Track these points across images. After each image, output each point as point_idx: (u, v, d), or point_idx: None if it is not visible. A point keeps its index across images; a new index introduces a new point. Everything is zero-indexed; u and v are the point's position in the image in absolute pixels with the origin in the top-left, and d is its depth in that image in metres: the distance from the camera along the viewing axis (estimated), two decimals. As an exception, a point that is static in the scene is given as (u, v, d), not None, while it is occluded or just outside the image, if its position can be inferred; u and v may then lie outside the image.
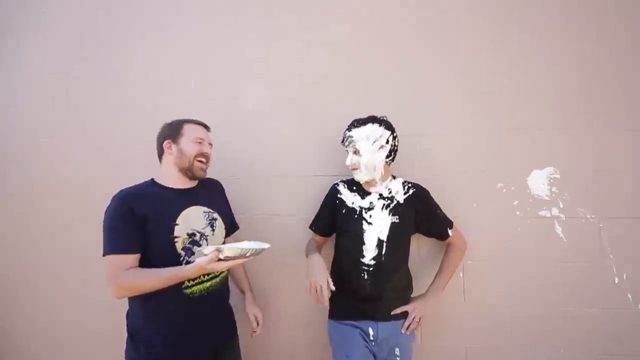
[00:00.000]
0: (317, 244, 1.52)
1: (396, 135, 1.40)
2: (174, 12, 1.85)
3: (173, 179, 1.28)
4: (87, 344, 1.88)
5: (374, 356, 1.34)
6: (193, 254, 1.20)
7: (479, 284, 1.55)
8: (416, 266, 1.52)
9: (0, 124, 2.01)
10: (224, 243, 1.32)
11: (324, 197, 1.51)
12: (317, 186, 1.62)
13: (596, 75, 1.49)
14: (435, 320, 1.52)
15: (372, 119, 1.38)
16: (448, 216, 1.46)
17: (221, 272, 1.29)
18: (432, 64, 1.61)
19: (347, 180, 1.49)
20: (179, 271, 1.10)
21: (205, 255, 1.08)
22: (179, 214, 1.21)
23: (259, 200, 1.71)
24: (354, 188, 1.45)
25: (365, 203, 1.41)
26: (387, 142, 1.36)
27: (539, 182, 1.51)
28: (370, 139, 1.34)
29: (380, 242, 1.36)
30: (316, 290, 1.23)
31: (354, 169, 1.38)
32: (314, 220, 1.53)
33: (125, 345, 1.23)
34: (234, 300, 1.43)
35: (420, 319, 1.38)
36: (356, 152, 1.36)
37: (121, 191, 1.20)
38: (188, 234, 1.21)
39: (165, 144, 1.28)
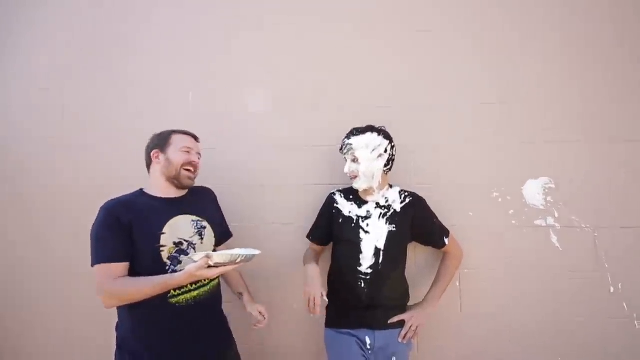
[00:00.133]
0: (315, 252, 1.53)
1: (394, 145, 1.42)
2: (173, 20, 1.86)
3: (161, 188, 1.29)
4: (80, 354, 1.86)
5: (371, 365, 1.34)
6: (180, 263, 1.19)
7: (476, 292, 1.55)
8: (413, 275, 1.52)
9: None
10: (214, 251, 1.31)
11: (321, 206, 1.52)
12: (315, 195, 1.62)
13: (591, 87, 1.52)
14: (432, 328, 1.52)
15: (371, 128, 1.40)
16: (444, 225, 1.47)
17: (210, 282, 1.28)
18: (430, 75, 1.63)
19: (344, 189, 1.51)
20: (170, 279, 1.09)
21: (195, 262, 1.07)
22: (165, 223, 1.21)
23: (254, 209, 1.71)
24: (351, 197, 1.46)
25: (362, 212, 1.42)
26: (386, 151, 1.38)
27: (534, 191, 1.53)
28: (369, 147, 1.36)
29: (377, 251, 1.37)
30: (309, 302, 1.24)
31: (353, 177, 1.39)
32: (311, 230, 1.54)
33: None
34: (227, 308, 1.42)
35: (417, 327, 1.38)
36: (355, 160, 1.38)
37: (108, 202, 1.20)
38: (175, 243, 1.20)
39: (153, 153, 1.29)
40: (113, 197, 1.24)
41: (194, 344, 1.21)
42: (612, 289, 1.46)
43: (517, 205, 1.54)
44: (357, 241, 1.38)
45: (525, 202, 1.53)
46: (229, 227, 1.53)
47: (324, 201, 1.52)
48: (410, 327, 1.37)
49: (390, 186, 1.47)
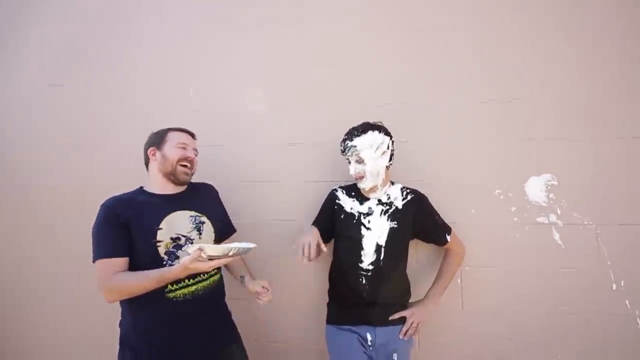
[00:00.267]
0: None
1: (394, 140, 1.41)
2: (172, 18, 1.86)
3: (159, 185, 1.31)
4: (86, 352, 1.87)
5: (372, 361, 1.34)
6: (177, 258, 1.20)
7: (477, 289, 1.55)
8: (414, 272, 1.52)
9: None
10: None
11: (323, 202, 1.52)
12: (316, 192, 1.62)
13: (594, 83, 1.51)
14: (433, 325, 1.52)
15: (371, 127, 1.38)
16: (446, 222, 1.47)
17: (210, 277, 1.28)
18: (431, 72, 1.63)
19: (346, 186, 1.50)
20: (166, 272, 1.10)
21: (189, 254, 1.08)
22: (162, 219, 1.22)
23: (255, 205, 1.71)
24: (353, 194, 1.46)
25: (364, 208, 1.41)
26: (388, 147, 1.38)
27: (536, 188, 1.52)
28: (372, 146, 1.35)
29: (378, 248, 1.36)
30: (303, 249, 1.22)
31: (359, 178, 1.38)
32: (313, 224, 1.53)
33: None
34: (230, 304, 1.42)
35: (418, 324, 1.38)
36: (360, 161, 1.36)
37: (108, 199, 1.24)
38: (172, 238, 1.21)
39: (150, 151, 1.32)
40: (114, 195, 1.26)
41: (193, 339, 1.22)
42: (614, 286, 1.46)
43: (519, 202, 1.53)
44: (359, 238, 1.38)
45: (528, 200, 1.52)
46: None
47: (324, 198, 1.52)
48: (412, 324, 1.37)
49: (392, 183, 1.46)
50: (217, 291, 1.34)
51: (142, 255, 1.17)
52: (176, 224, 1.24)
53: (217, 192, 1.50)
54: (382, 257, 1.36)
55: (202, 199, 1.38)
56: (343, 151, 1.42)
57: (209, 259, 1.08)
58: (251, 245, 1.17)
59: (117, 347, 1.24)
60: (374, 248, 1.37)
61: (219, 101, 1.79)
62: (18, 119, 1.97)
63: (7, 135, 1.99)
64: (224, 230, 1.44)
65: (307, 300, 1.66)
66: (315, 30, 1.73)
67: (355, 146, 1.36)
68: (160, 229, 1.20)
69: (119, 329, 1.26)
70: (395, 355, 1.34)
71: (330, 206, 1.48)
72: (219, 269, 1.35)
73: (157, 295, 1.16)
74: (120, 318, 1.27)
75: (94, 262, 1.16)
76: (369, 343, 1.34)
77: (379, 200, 1.42)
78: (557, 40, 1.54)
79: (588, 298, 1.47)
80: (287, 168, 1.71)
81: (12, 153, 1.97)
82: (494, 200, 1.55)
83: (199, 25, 1.84)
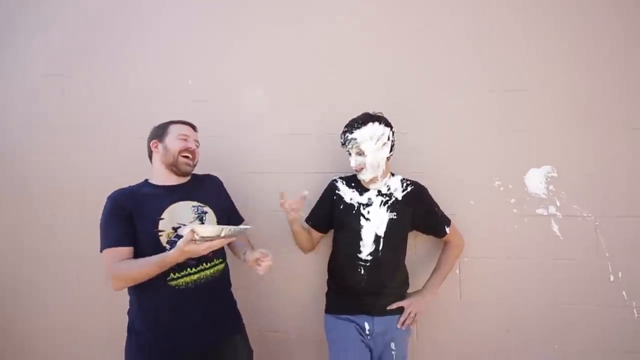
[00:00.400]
0: (311, 236, 1.53)
1: (394, 131, 1.41)
2: (172, 11, 1.85)
3: (162, 176, 1.33)
4: (84, 349, 1.90)
5: (370, 350, 1.36)
6: None
7: (475, 281, 1.56)
8: (413, 263, 1.53)
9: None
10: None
11: (322, 192, 1.52)
12: (316, 183, 1.62)
13: (594, 75, 1.50)
14: (431, 316, 1.54)
15: (371, 118, 1.38)
16: (446, 214, 1.47)
17: (213, 265, 1.29)
18: (431, 63, 1.61)
19: (346, 177, 1.51)
20: (165, 256, 1.11)
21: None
22: (165, 209, 1.24)
23: (255, 196, 1.72)
24: (353, 184, 1.46)
25: (363, 199, 1.42)
26: (388, 138, 1.38)
27: (536, 180, 1.52)
28: (373, 138, 1.35)
29: (377, 238, 1.37)
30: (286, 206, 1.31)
31: (360, 169, 1.38)
32: (310, 214, 1.53)
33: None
34: (236, 293, 1.43)
35: (415, 314, 1.39)
36: (360, 153, 1.36)
37: (114, 192, 1.27)
38: (174, 228, 1.23)
39: (152, 143, 1.35)
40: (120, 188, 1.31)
41: (195, 327, 1.23)
42: (612, 278, 1.46)
43: (518, 194, 1.53)
44: (358, 228, 1.38)
45: (527, 191, 1.53)
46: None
47: (324, 189, 1.52)
48: (409, 313, 1.38)
49: (392, 174, 1.47)
50: (221, 280, 1.34)
51: (145, 245, 1.20)
52: (178, 213, 1.26)
53: (221, 183, 1.51)
54: (381, 248, 1.37)
55: (205, 189, 1.39)
56: (343, 144, 1.41)
57: (204, 241, 1.07)
58: (246, 226, 1.17)
59: (117, 345, 1.28)
60: (372, 239, 1.37)
61: (219, 95, 1.79)
62: (18, 118, 1.98)
63: (7, 135, 1.99)
64: (230, 220, 1.44)
65: (306, 289, 1.68)
66: (315, 23, 1.72)
67: (356, 139, 1.36)
68: (162, 218, 1.23)
69: (121, 323, 1.29)
70: (392, 344, 1.35)
71: (330, 196, 1.48)
72: (224, 258, 1.36)
73: (160, 283, 1.18)
74: (126, 308, 1.30)
75: (101, 251, 1.19)
76: (367, 332, 1.36)
77: (379, 191, 1.42)
78: (560, 33, 1.52)
79: (586, 289, 1.48)
80: (288, 159, 1.71)
81: (12, 153, 1.99)
82: (493, 192, 1.55)
83: (197, 18, 1.82)
